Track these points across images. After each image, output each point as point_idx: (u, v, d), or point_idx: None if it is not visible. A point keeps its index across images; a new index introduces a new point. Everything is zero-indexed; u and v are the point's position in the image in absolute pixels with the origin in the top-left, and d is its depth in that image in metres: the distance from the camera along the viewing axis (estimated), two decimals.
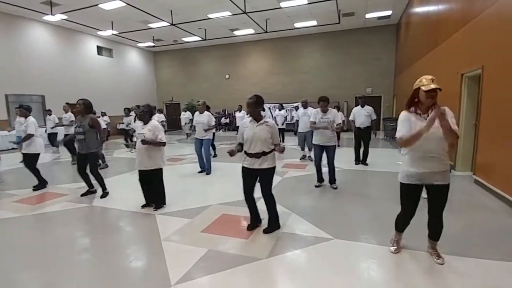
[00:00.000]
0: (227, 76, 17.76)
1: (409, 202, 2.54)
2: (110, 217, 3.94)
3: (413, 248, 2.74)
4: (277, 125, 10.57)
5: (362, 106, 6.73)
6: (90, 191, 4.79)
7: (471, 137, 5.36)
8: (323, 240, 2.98)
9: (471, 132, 5.36)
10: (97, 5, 10.44)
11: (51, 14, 10.95)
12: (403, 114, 2.40)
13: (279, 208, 3.56)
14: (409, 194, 2.51)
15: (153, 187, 4.00)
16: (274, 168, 3.16)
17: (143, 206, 4.08)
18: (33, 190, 5.10)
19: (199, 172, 6.24)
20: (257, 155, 3.04)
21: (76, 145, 4.74)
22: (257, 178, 3.17)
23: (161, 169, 3.96)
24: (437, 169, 2.34)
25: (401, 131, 2.36)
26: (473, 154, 5.20)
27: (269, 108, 15.15)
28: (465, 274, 2.35)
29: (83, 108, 4.48)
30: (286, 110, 11.35)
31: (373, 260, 2.61)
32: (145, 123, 3.85)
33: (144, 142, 3.69)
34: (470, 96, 5.49)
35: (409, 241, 2.80)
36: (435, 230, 2.54)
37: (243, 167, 3.18)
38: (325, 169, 4.99)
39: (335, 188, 4.87)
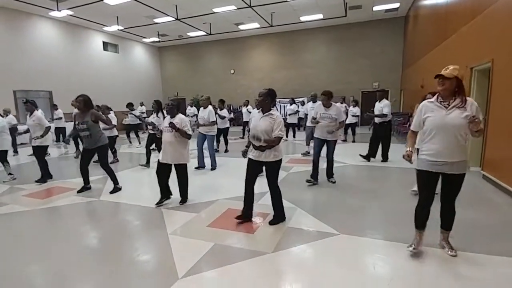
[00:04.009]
0: (232, 71, 17.70)
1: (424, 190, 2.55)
2: (118, 211, 4.00)
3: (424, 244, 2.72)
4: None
5: (380, 100, 6.44)
6: (86, 187, 4.75)
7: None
8: (329, 235, 2.98)
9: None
10: (102, 0, 10.45)
11: (57, 9, 11.00)
12: (420, 105, 2.51)
13: (285, 203, 3.57)
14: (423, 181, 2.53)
15: (178, 182, 4.01)
16: (280, 160, 3.21)
17: (158, 204, 3.95)
18: (35, 182, 5.21)
19: (195, 168, 6.00)
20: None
21: (83, 142, 4.70)
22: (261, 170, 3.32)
23: (185, 164, 3.98)
24: (449, 159, 2.34)
25: (412, 124, 2.59)
26: (482, 150, 5.11)
27: (278, 102, 15.09)
28: (473, 270, 2.34)
29: (83, 105, 4.45)
30: (296, 104, 11.20)
31: (378, 255, 2.60)
32: (172, 116, 3.92)
33: (172, 125, 3.73)
34: (479, 91, 5.38)
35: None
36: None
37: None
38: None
39: (334, 182, 4.87)
